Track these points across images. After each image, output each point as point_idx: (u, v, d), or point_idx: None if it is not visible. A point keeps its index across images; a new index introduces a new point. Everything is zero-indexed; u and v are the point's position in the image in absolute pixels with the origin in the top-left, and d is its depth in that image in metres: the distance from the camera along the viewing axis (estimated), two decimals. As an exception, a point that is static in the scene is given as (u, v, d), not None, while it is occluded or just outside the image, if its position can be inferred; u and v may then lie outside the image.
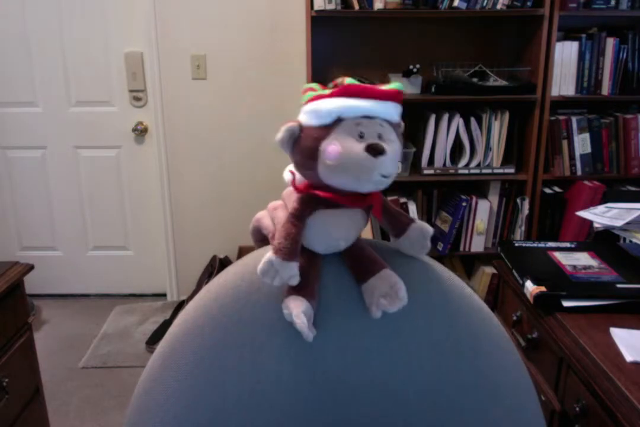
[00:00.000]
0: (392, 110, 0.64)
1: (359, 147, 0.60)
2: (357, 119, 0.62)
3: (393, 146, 0.62)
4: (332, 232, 0.67)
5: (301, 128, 0.63)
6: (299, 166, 0.66)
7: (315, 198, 0.65)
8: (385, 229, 0.72)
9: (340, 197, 0.64)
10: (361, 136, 0.61)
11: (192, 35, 2.65)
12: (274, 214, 0.74)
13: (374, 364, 0.68)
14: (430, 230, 0.70)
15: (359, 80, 0.65)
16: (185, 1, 2.61)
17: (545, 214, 2.48)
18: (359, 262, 0.69)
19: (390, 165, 0.61)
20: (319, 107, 0.63)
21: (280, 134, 0.63)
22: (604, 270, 1.30)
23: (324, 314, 0.67)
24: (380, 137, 0.62)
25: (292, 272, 0.64)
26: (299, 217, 0.65)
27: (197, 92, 2.73)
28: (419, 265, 0.71)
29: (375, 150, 0.59)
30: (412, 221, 0.70)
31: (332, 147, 0.60)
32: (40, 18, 2.67)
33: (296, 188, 0.67)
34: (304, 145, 0.63)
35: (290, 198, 0.69)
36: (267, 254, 0.64)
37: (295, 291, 0.66)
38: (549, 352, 1.22)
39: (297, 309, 0.64)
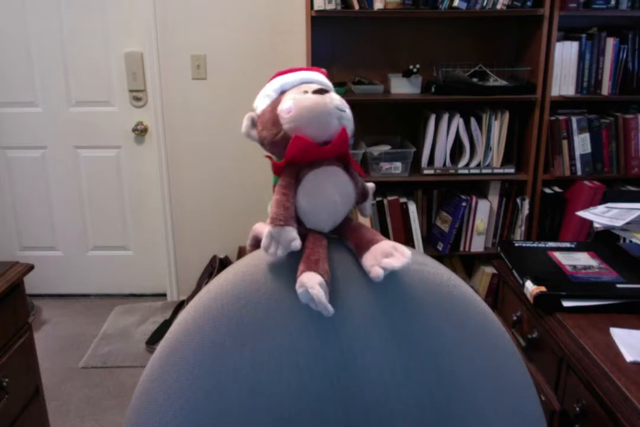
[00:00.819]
0: (323, 78, 0.74)
1: (307, 95, 0.68)
2: (298, 85, 0.70)
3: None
4: (325, 189, 0.69)
5: (258, 116, 0.72)
6: (270, 145, 0.71)
7: (293, 164, 0.69)
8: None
9: (313, 146, 0.67)
10: (305, 92, 0.69)
11: (192, 35, 2.65)
12: None
13: (374, 365, 0.68)
14: (372, 187, 0.79)
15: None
16: (185, 1, 2.61)
17: (545, 214, 2.48)
18: (360, 239, 0.70)
19: (338, 98, 0.69)
20: (265, 90, 0.73)
21: (243, 125, 0.73)
22: (604, 270, 1.30)
23: (324, 318, 0.67)
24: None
25: (290, 235, 0.66)
26: (286, 186, 0.68)
27: (197, 92, 2.73)
28: (419, 265, 0.71)
29: (321, 91, 0.68)
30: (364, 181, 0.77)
31: (286, 105, 0.68)
32: (40, 18, 2.67)
33: (275, 164, 0.70)
34: (265, 122, 0.70)
35: None
36: (266, 229, 0.66)
37: (307, 268, 0.66)
38: (549, 352, 1.22)
39: (312, 282, 0.64)
